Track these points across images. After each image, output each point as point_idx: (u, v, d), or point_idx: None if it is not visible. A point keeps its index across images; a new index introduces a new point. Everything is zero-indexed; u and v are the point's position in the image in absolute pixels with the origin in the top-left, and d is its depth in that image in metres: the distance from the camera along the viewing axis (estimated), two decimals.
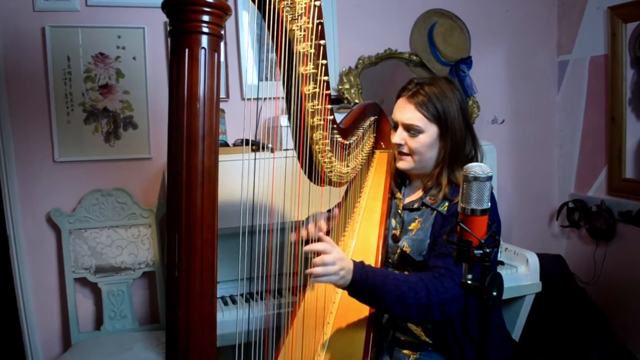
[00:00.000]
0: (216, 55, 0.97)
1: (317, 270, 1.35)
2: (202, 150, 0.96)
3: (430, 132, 1.59)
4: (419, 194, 1.70)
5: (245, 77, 2.63)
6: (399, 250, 1.65)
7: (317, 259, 1.36)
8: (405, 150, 1.63)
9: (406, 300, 1.39)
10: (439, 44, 2.88)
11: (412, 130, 1.60)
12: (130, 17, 2.47)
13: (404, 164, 1.67)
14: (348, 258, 1.42)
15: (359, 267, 1.41)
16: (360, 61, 2.82)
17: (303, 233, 1.64)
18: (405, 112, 1.61)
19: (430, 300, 1.40)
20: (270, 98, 1.34)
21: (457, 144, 1.60)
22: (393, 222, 1.72)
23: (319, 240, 1.42)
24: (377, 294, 1.39)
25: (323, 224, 1.70)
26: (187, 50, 0.94)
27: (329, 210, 1.81)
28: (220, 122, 2.43)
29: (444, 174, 1.61)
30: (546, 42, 3.25)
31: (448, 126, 1.59)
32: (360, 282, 1.39)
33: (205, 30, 0.94)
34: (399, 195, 1.74)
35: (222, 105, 2.54)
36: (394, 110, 1.67)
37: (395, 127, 1.66)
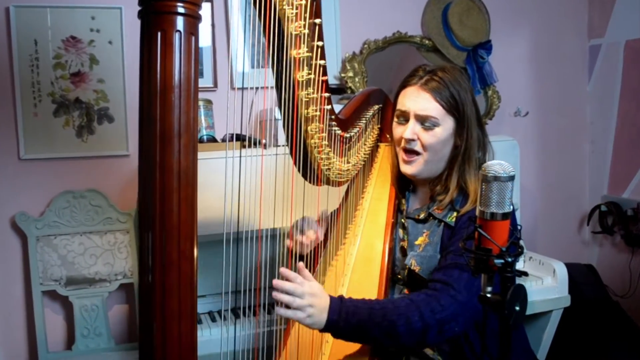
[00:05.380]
0: (193, 38, 0.96)
1: (283, 297, 1.34)
2: (177, 149, 0.94)
3: (446, 125, 1.58)
4: (425, 201, 1.69)
5: (236, 64, 2.61)
6: (407, 268, 1.62)
7: (287, 285, 1.35)
8: (417, 147, 1.59)
9: (396, 330, 1.37)
10: (454, 27, 2.86)
11: (427, 123, 1.57)
12: None
13: (412, 168, 1.62)
14: (324, 295, 1.39)
15: (337, 305, 1.39)
16: (366, 46, 2.81)
17: (292, 241, 1.63)
18: (420, 101, 1.57)
19: (425, 322, 1.38)
20: (259, 88, 1.32)
21: (472, 141, 1.59)
22: (400, 232, 1.70)
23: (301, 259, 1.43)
24: (362, 331, 1.38)
25: (312, 233, 1.65)
26: (159, 33, 0.92)
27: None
28: (207, 114, 2.42)
29: (454, 177, 1.60)
30: (576, 24, 3.23)
31: (465, 119, 1.58)
32: (342, 322, 1.37)
33: (181, 10, 0.93)
34: (402, 201, 1.73)
35: (209, 96, 2.53)
36: (400, 100, 1.64)
37: (403, 120, 1.63)
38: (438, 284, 1.44)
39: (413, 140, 1.59)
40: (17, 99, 2.39)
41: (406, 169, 1.63)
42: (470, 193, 1.56)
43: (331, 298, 1.39)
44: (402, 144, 1.62)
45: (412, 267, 1.59)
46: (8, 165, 2.42)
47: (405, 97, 1.62)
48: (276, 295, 1.34)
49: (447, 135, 1.58)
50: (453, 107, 1.57)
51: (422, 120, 1.57)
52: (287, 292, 1.34)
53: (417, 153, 1.60)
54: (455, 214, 1.57)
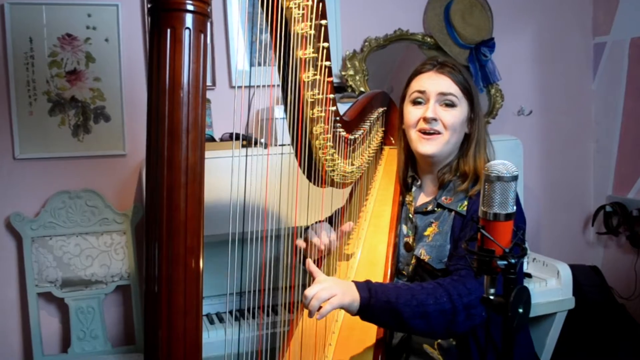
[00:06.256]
0: (202, 36, 0.97)
1: (314, 302, 1.33)
2: (185, 146, 0.96)
3: (462, 108, 1.63)
4: (432, 193, 1.71)
5: (235, 62, 2.63)
6: (413, 260, 1.65)
7: (307, 291, 1.34)
8: (438, 127, 1.61)
9: (426, 309, 1.39)
10: (456, 24, 2.89)
11: (448, 101, 1.62)
12: None
13: (432, 146, 1.62)
14: (344, 281, 1.42)
15: (363, 284, 1.41)
16: (367, 44, 2.83)
17: (308, 243, 1.63)
18: (440, 81, 1.62)
19: (454, 304, 1.39)
20: (263, 86, 1.34)
21: (482, 130, 1.65)
22: (404, 228, 1.72)
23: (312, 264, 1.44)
24: (392, 310, 1.39)
25: (326, 239, 1.63)
26: (169, 30, 0.94)
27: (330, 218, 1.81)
28: (206, 113, 2.44)
29: (470, 163, 1.63)
30: (580, 21, 3.25)
31: (476, 107, 1.65)
32: (373, 299, 1.39)
33: (190, 7, 0.95)
34: (409, 198, 1.75)
35: (207, 94, 2.54)
36: (416, 84, 1.66)
37: (421, 101, 1.64)
38: (462, 271, 1.46)
39: (435, 119, 1.61)
40: (11, 98, 2.41)
41: (426, 149, 1.63)
42: (480, 175, 1.58)
43: (354, 281, 1.41)
44: (421, 125, 1.63)
45: (421, 257, 1.62)
46: (3, 165, 2.43)
47: (422, 80, 1.65)
48: (311, 304, 1.33)
49: (463, 118, 1.63)
50: (468, 91, 1.63)
51: (444, 97, 1.62)
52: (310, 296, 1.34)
53: (437, 133, 1.62)
54: (466, 202, 1.60)
